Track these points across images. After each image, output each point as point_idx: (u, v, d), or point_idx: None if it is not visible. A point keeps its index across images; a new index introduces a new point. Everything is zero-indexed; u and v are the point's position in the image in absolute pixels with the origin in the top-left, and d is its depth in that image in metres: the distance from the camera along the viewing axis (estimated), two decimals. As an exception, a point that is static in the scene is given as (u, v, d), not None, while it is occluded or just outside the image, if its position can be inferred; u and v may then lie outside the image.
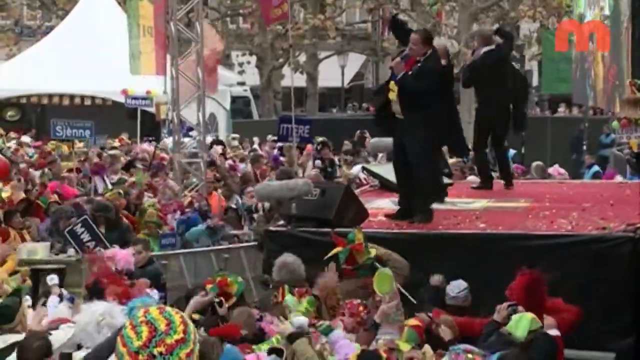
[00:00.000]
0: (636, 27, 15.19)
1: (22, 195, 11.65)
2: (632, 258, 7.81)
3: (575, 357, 7.09)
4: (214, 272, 7.47)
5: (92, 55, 22.35)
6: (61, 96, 23.77)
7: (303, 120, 16.05)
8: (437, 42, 10.32)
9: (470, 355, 5.89)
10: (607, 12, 18.34)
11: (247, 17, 34.23)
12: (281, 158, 16.94)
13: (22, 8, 36.55)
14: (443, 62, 9.32)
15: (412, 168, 8.83)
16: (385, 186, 10.69)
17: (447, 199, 9.77)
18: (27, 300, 6.96)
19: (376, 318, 6.41)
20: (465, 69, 10.30)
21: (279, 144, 17.79)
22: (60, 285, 7.74)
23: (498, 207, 9.64)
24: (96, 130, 15.94)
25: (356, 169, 14.36)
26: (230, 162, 16.40)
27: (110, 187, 13.42)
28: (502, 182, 10.99)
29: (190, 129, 16.56)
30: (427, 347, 6.25)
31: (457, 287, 7.51)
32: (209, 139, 17.91)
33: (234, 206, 12.60)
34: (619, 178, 13.96)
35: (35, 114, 25.40)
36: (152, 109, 19.88)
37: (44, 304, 6.75)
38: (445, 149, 11.35)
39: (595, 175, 16.14)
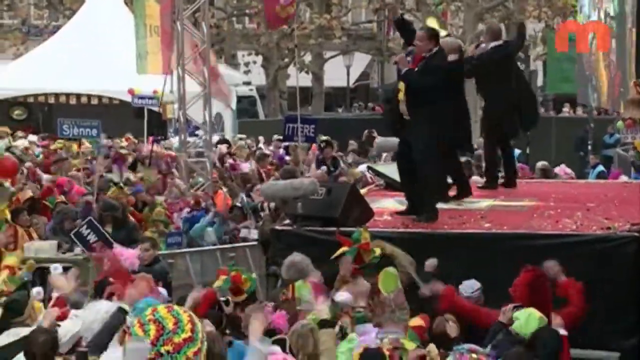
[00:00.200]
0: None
1: (30, 193, 11.73)
2: (636, 258, 7.84)
3: (580, 356, 7.11)
4: (229, 265, 7.39)
5: (98, 55, 22.43)
6: (68, 95, 23.85)
7: (308, 120, 16.10)
8: (449, 39, 10.32)
9: (474, 355, 5.89)
10: (611, 14, 18.32)
11: (253, 17, 34.31)
12: (287, 157, 16.99)
13: (29, 8, 36.67)
14: (454, 56, 9.28)
15: (415, 167, 8.78)
16: (390, 186, 10.72)
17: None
18: (40, 293, 7.01)
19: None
20: (468, 59, 10.10)
21: (285, 143, 17.85)
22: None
23: (503, 207, 9.65)
24: (103, 130, 16.01)
25: (362, 168, 14.40)
26: (230, 161, 16.41)
27: (123, 179, 13.62)
28: (505, 181, 10.87)
29: (197, 128, 16.62)
30: (431, 346, 6.25)
31: (470, 287, 7.49)
32: (215, 138, 17.97)
33: (238, 204, 12.64)
34: (623, 178, 13.99)
35: (42, 113, 25.47)
36: (159, 108, 19.95)
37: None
38: None
39: (600, 175, 16.18)
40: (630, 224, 8.20)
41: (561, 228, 8.43)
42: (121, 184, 13.03)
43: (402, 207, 9.22)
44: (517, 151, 15.36)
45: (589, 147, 19.57)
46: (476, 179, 11.79)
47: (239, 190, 13.39)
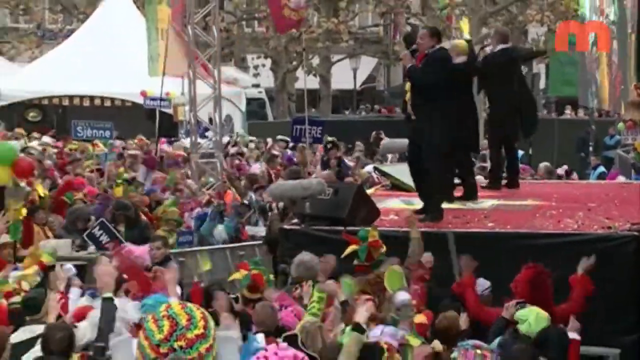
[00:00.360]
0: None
1: (46, 192, 11.86)
2: (636, 257, 7.93)
3: (580, 352, 7.23)
4: (251, 261, 7.35)
5: (111, 58, 22.64)
6: (82, 97, 24.11)
7: (316, 122, 16.29)
8: (456, 41, 10.49)
9: (479, 351, 5.94)
10: (612, 18, 18.42)
11: (262, 20, 34.47)
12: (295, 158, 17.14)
13: (44, 12, 36.86)
14: (464, 58, 9.40)
15: (423, 166, 8.85)
16: (396, 186, 10.83)
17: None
18: (71, 269, 7.07)
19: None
20: (473, 60, 10.22)
21: (292, 144, 18.03)
22: (82, 282, 7.82)
23: (506, 207, 9.71)
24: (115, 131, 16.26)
25: (369, 169, 14.57)
26: (236, 161, 16.54)
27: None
28: (508, 181, 10.89)
29: (207, 129, 16.82)
30: (436, 343, 6.30)
31: (481, 286, 7.53)
32: (225, 139, 18.17)
33: (246, 202, 12.76)
34: (621, 179, 14.05)
35: (56, 115, 25.69)
36: (170, 110, 20.19)
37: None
38: None
39: (601, 176, 16.28)
40: (630, 224, 8.29)
41: (563, 227, 8.52)
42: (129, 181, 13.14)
43: (408, 207, 9.30)
44: (520, 152, 15.52)
45: (590, 149, 19.58)
46: (479, 179, 11.93)
47: (243, 192, 13.50)
